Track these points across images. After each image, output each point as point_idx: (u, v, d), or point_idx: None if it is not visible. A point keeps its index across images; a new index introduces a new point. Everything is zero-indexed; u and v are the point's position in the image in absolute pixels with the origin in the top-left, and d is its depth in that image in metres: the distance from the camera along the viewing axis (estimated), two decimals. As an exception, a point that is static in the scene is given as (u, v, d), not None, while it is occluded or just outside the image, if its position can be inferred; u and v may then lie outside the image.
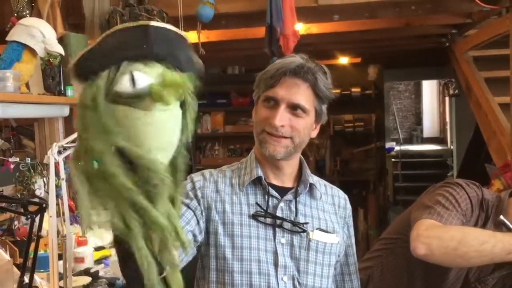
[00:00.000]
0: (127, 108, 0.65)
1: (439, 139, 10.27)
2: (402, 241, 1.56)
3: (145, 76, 0.64)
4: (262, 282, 1.21)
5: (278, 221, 1.26)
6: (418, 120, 10.82)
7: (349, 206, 1.41)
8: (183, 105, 0.70)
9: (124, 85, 0.64)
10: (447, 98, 7.50)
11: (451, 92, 5.30)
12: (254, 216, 1.25)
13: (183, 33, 0.69)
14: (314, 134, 1.32)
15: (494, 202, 1.51)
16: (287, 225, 1.26)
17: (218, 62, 6.04)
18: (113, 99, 0.65)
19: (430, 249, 1.33)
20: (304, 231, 1.26)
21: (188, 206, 1.22)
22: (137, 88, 0.64)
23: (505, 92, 3.29)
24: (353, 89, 6.72)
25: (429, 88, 10.52)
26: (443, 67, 5.31)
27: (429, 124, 10.66)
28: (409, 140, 10.41)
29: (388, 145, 7.06)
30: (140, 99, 0.64)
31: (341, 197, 1.40)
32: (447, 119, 9.03)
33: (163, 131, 0.67)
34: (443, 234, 1.32)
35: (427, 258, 1.35)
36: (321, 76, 1.26)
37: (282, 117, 1.23)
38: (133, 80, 0.64)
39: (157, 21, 0.71)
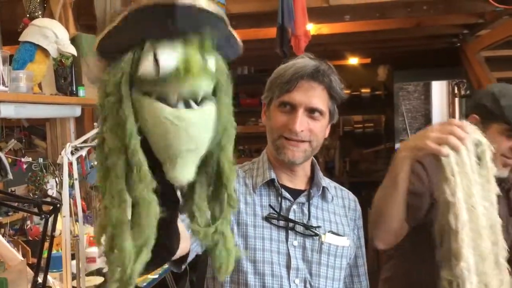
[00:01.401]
0: (155, 102, 0.55)
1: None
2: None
3: (170, 56, 0.54)
4: (274, 284, 1.21)
5: (290, 224, 1.25)
6: (428, 121, 10.72)
7: (359, 207, 1.40)
8: (216, 93, 0.60)
9: (147, 66, 0.54)
10: (456, 99, 7.45)
11: (462, 92, 5.26)
12: (267, 218, 1.25)
13: (218, 9, 0.57)
14: (326, 133, 1.32)
15: None
16: (299, 228, 1.26)
17: (228, 63, 6.03)
18: (140, 89, 0.56)
19: (378, 240, 1.36)
20: (316, 234, 1.26)
21: None
22: (162, 70, 0.54)
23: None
24: (363, 90, 6.69)
25: (439, 89, 10.44)
26: (454, 67, 5.28)
27: (439, 125, 10.60)
28: (418, 141, 10.34)
29: (397, 146, 7.02)
30: (166, 85, 0.54)
31: (351, 199, 1.40)
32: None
33: (195, 129, 0.56)
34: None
35: (386, 247, 1.42)
36: (335, 77, 1.26)
37: (301, 122, 1.22)
38: (156, 61, 0.54)
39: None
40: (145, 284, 2.24)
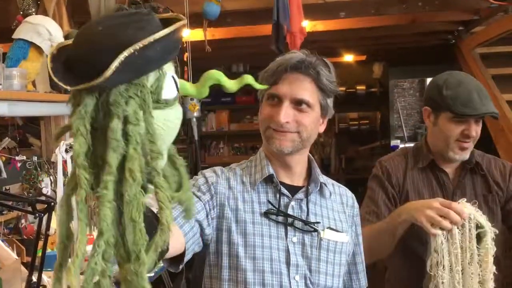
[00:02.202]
0: (160, 111, 0.63)
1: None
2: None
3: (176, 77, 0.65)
4: (274, 281, 1.20)
5: (289, 220, 1.25)
6: (422, 118, 10.80)
7: (356, 204, 1.40)
8: None
9: (171, 90, 0.64)
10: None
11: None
12: (266, 214, 1.24)
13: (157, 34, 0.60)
14: (322, 129, 1.32)
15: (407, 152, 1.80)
16: (298, 224, 1.25)
17: (223, 60, 6.03)
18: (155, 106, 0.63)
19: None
20: (315, 230, 1.25)
21: (199, 199, 1.21)
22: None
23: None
24: (358, 87, 6.70)
25: (434, 86, 10.49)
26: (449, 64, 5.27)
27: (434, 122, 10.63)
28: (413, 138, 10.33)
29: (393, 143, 7.02)
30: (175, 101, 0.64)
31: (349, 196, 1.39)
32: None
33: (176, 128, 0.65)
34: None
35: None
36: (323, 70, 1.25)
37: (286, 113, 1.22)
38: (176, 83, 0.64)
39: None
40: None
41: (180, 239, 1.02)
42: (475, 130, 1.62)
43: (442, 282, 1.40)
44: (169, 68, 0.65)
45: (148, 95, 0.61)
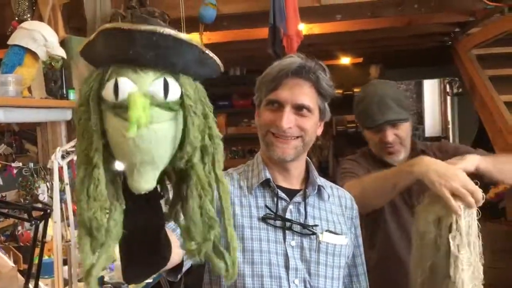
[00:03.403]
0: (113, 117, 0.60)
1: (441, 139, 10.25)
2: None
3: (130, 84, 0.59)
4: (273, 285, 1.19)
5: (287, 224, 1.24)
6: (420, 120, 10.78)
7: (355, 206, 1.39)
8: (183, 110, 0.64)
9: (108, 91, 0.59)
10: (448, 98, 7.48)
11: (454, 91, 5.28)
12: (264, 219, 1.23)
13: (183, 35, 0.61)
14: (319, 132, 1.32)
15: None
16: (296, 228, 1.24)
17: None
18: (102, 104, 0.61)
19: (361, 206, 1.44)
20: (313, 233, 1.25)
21: None
22: (119, 98, 0.59)
23: (510, 90, 3.27)
24: (355, 90, 6.69)
25: (430, 88, 10.50)
26: (446, 66, 5.29)
27: (431, 123, 10.62)
28: (411, 140, 10.38)
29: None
30: (123, 109, 0.58)
31: (348, 198, 1.39)
32: (449, 118, 9.00)
33: (146, 144, 0.60)
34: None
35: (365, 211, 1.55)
36: (322, 74, 1.25)
37: (288, 119, 1.21)
38: (117, 87, 0.59)
39: (159, 23, 0.60)
40: (142, 286, 2.22)
41: (177, 250, 1.02)
42: (391, 135, 1.70)
43: (462, 268, 1.24)
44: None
45: None
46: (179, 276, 1.09)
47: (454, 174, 1.28)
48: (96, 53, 0.62)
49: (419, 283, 1.29)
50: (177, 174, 0.68)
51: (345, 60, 6.25)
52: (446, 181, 1.27)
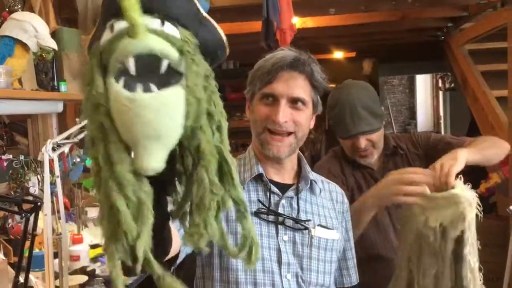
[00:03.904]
0: (115, 84, 0.53)
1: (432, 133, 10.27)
2: None
3: (124, 23, 0.54)
4: (266, 279, 1.19)
5: (280, 218, 1.24)
6: (412, 114, 10.84)
7: (346, 200, 1.40)
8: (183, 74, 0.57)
9: (105, 36, 0.55)
10: (440, 92, 7.51)
11: (446, 86, 5.30)
12: (257, 213, 1.23)
13: None
14: (311, 125, 1.32)
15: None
16: (289, 222, 1.24)
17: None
18: (109, 71, 0.55)
19: None
20: (306, 228, 1.25)
21: None
22: (114, 32, 0.54)
23: (502, 86, 3.28)
24: (348, 84, 6.71)
25: (423, 82, 10.54)
26: (439, 61, 5.31)
27: (423, 118, 10.68)
28: (403, 134, 10.41)
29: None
30: (121, 50, 0.53)
31: (339, 192, 1.39)
32: (441, 113, 9.04)
33: (150, 113, 0.53)
34: None
35: None
36: (316, 67, 1.25)
37: (284, 113, 1.21)
38: (112, 28, 0.55)
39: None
40: (130, 282, 2.21)
41: (177, 239, 1.01)
42: (364, 142, 1.68)
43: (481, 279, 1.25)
44: None
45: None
46: (171, 269, 1.08)
47: (385, 183, 1.41)
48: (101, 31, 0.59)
49: None
50: (185, 165, 0.62)
51: (338, 54, 6.25)
52: (388, 192, 1.39)
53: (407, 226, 1.33)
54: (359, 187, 1.75)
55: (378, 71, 6.66)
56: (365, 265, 1.54)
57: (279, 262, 1.21)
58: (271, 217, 1.24)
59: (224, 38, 0.65)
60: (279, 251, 1.22)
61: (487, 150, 1.58)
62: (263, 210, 1.23)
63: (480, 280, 1.25)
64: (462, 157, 1.38)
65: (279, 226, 1.24)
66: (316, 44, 5.21)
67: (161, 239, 0.70)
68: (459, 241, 1.21)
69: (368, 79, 6.75)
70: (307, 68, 1.23)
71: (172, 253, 1.02)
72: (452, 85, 5.27)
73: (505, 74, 3.00)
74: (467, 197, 1.22)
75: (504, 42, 3.13)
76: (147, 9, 0.55)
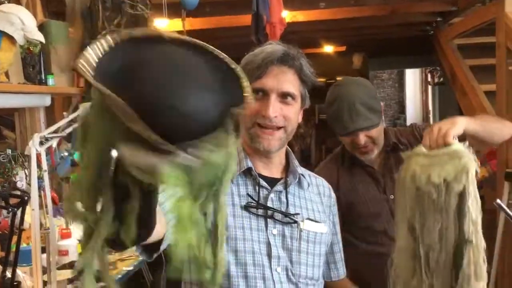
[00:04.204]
0: None
1: (421, 127, 10.33)
2: None
3: None
4: (257, 273, 1.20)
5: (269, 212, 1.24)
6: (402, 109, 10.90)
7: (333, 194, 1.41)
8: None
9: None
10: (430, 87, 7.55)
11: (435, 80, 5.32)
12: (246, 207, 1.23)
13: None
14: (299, 118, 1.32)
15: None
16: (278, 216, 1.25)
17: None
18: None
19: None
20: (295, 222, 1.25)
21: None
22: None
23: (490, 80, 3.31)
24: (338, 78, 6.70)
25: (412, 77, 10.60)
26: (428, 55, 5.33)
27: (412, 112, 10.74)
28: (393, 128, 10.46)
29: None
30: None
31: (326, 186, 1.40)
32: (430, 107, 9.10)
33: None
34: None
35: None
36: (304, 61, 1.25)
37: (274, 108, 1.21)
38: None
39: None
40: (119, 276, 2.21)
41: (164, 223, 1.00)
42: (363, 139, 1.69)
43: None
44: None
45: None
46: (154, 256, 1.07)
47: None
48: None
49: (424, 250, 1.26)
50: None
51: (328, 49, 6.25)
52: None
53: (405, 188, 1.29)
54: (352, 188, 1.76)
55: (368, 66, 6.67)
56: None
57: (269, 255, 1.21)
58: (260, 211, 1.24)
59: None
60: (268, 244, 1.22)
61: (489, 124, 1.52)
62: (252, 204, 1.24)
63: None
64: (460, 122, 1.33)
65: (269, 219, 1.24)
66: (306, 38, 5.21)
67: (146, 213, 0.67)
68: (462, 196, 1.20)
69: (358, 73, 6.77)
70: (296, 62, 1.23)
71: (157, 236, 1.01)
72: (441, 79, 5.30)
73: (493, 69, 3.02)
74: (468, 151, 1.22)
75: (492, 37, 3.14)
76: None
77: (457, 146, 1.24)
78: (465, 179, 1.19)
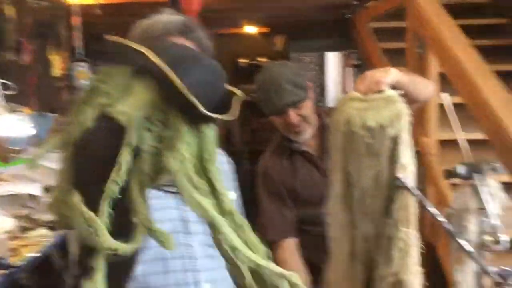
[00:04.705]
0: None
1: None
2: None
3: None
4: (177, 253, 1.18)
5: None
6: (322, 92, 11.15)
7: (231, 160, 1.42)
8: None
9: None
10: (349, 70, 7.76)
11: (353, 62, 5.48)
12: (158, 186, 1.20)
13: None
14: None
15: None
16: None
17: (119, 27, 5.73)
18: None
19: None
20: None
21: None
22: None
23: (401, 63, 3.44)
24: (260, 59, 6.73)
25: (333, 60, 10.85)
26: (347, 38, 5.47)
27: (333, 95, 11.03)
28: (314, 111, 10.69)
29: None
30: None
31: (223, 154, 1.39)
32: (348, 90, 9.38)
33: None
34: None
35: None
36: (203, 33, 1.22)
37: None
38: None
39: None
40: (23, 263, 2.07)
41: None
42: (294, 117, 1.75)
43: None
44: None
45: None
46: None
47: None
48: None
49: (359, 195, 1.25)
50: None
51: (250, 29, 6.23)
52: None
53: (340, 132, 1.27)
54: (299, 173, 1.82)
55: (289, 48, 6.73)
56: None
57: (187, 232, 1.20)
58: (170, 188, 1.21)
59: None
60: (185, 221, 1.20)
61: (417, 80, 1.53)
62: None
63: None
64: (393, 71, 1.33)
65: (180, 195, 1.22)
66: (227, 17, 5.15)
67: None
68: (395, 141, 1.21)
69: (280, 55, 6.82)
70: (195, 34, 1.19)
71: None
72: (359, 62, 5.47)
73: (404, 52, 3.15)
74: (401, 99, 1.23)
75: (404, 22, 3.26)
76: None
77: (392, 92, 1.25)
78: (399, 125, 1.20)
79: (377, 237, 1.23)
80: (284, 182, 1.87)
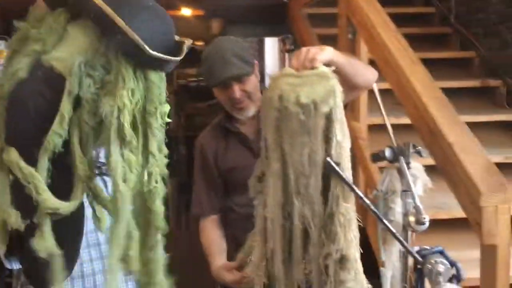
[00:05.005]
0: None
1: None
2: None
3: None
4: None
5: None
6: (261, 77, 11.17)
7: None
8: None
9: None
10: (286, 54, 7.81)
11: (287, 47, 5.51)
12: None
13: None
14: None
15: None
16: None
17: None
18: None
19: None
20: None
21: None
22: None
23: (335, 49, 3.49)
24: (197, 43, 6.61)
25: (271, 45, 10.88)
26: (283, 24, 5.48)
27: (271, 80, 11.09)
28: (252, 95, 10.71)
29: (231, 100, 7.16)
30: None
31: None
32: (287, 76, 9.44)
33: None
34: None
35: None
36: None
37: None
38: None
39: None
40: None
41: None
42: (238, 91, 1.75)
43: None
44: None
45: None
46: None
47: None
48: None
49: (294, 174, 1.23)
50: None
51: (186, 12, 6.10)
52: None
53: (272, 108, 1.24)
54: (231, 154, 1.85)
55: (227, 32, 6.66)
56: None
57: None
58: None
59: None
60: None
61: (355, 62, 1.54)
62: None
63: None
64: (329, 49, 1.35)
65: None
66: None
67: None
68: (329, 118, 1.20)
69: (217, 39, 6.75)
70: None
71: None
72: (293, 46, 5.50)
73: (337, 38, 3.20)
74: (334, 75, 1.23)
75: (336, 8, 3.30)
76: None
77: (325, 68, 1.25)
78: (332, 101, 1.19)
79: (314, 215, 1.22)
80: (216, 161, 1.89)
